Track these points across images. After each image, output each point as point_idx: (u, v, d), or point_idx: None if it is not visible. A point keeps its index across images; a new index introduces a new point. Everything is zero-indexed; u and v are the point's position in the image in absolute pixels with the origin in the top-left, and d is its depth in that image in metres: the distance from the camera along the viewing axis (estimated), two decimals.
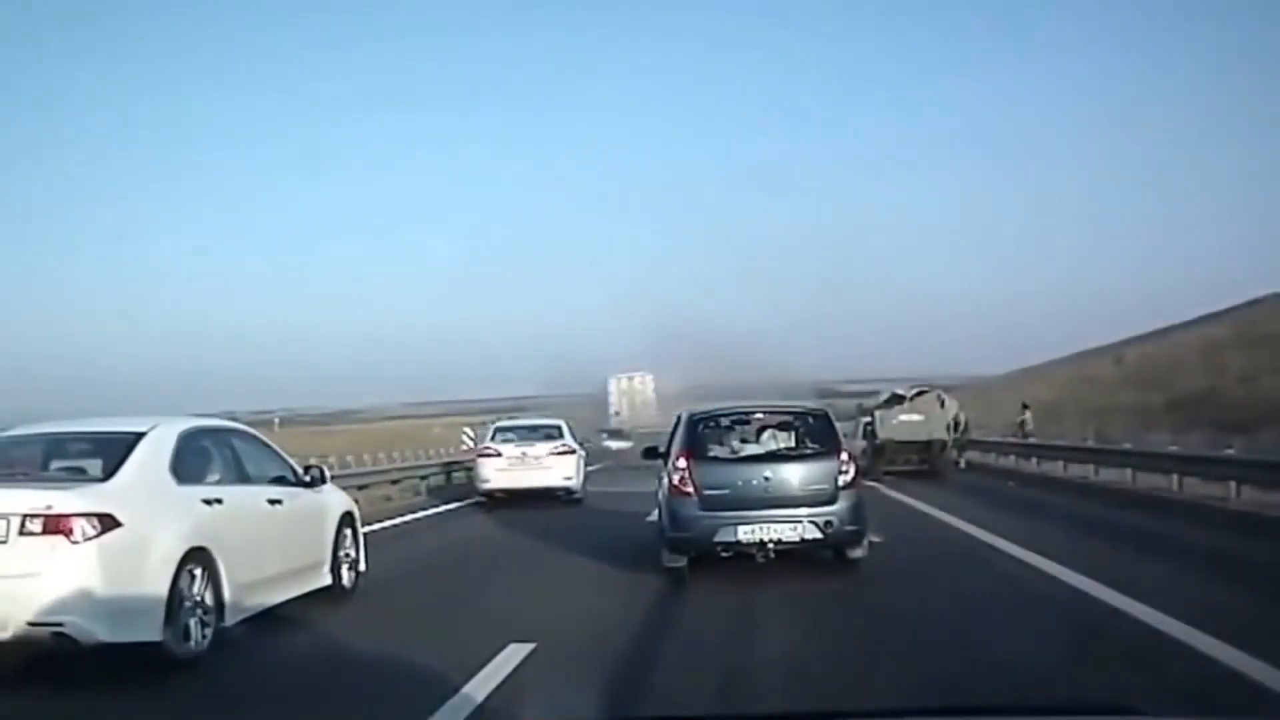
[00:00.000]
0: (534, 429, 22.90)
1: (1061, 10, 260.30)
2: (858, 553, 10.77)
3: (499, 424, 23.98)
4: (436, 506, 21.45)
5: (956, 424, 30.41)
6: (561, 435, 22.12)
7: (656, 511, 11.64)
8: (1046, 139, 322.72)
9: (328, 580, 9.77)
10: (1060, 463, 25.43)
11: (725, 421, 11.64)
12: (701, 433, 11.23)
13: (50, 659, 6.95)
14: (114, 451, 7.73)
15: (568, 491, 21.32)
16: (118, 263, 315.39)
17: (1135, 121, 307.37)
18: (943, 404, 27.44)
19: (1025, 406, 33.84)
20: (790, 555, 10.52)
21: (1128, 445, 23.34)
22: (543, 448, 21.52)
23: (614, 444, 40.02)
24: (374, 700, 6.67)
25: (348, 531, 10.34)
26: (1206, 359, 42.02)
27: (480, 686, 6.52)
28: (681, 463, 10.68)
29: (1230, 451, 18.34)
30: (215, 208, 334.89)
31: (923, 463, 26.60)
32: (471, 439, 36.12)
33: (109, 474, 7.53)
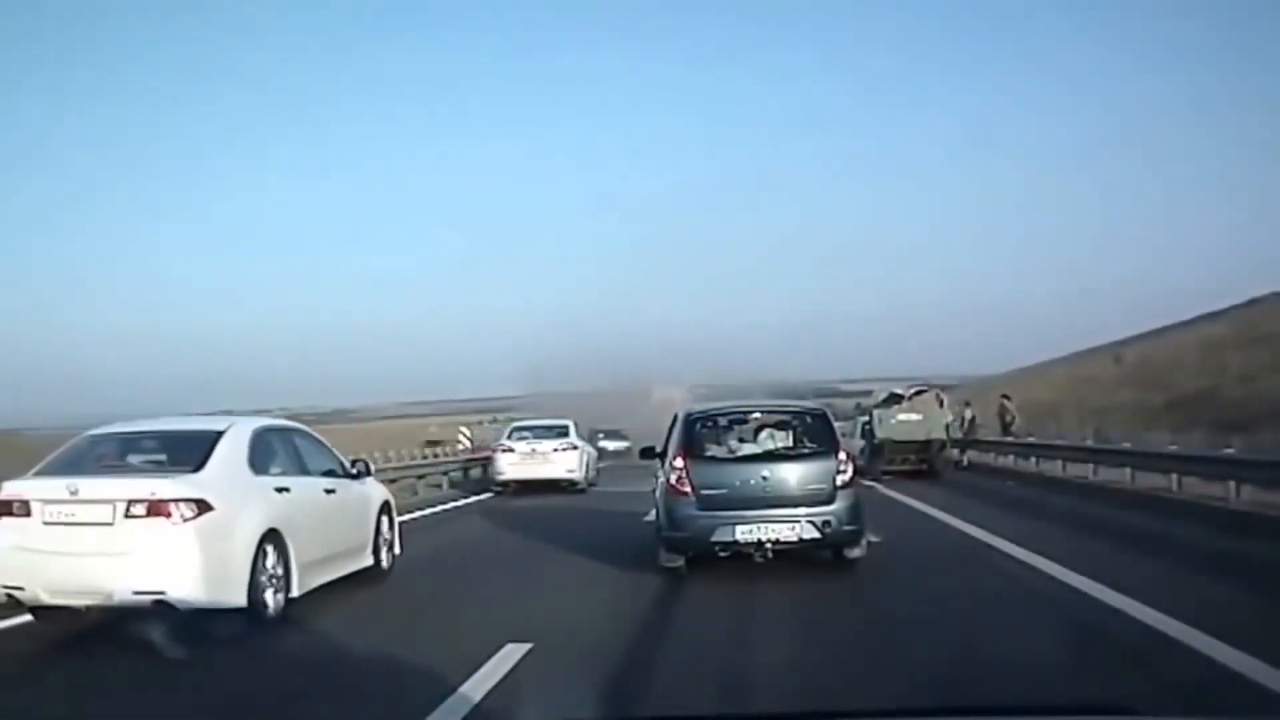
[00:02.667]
0: (544, 428, 25.72)
1: (1059, 9, 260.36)
2: (856, 553, 10.75)
3: (515, 424, 26.69)
4: (456, 500, 23.19)
5: (967, 420, 30.78)
6: (567, 434, 25.29)
7: (654, 511, 11.62)
8: (1046, 138, 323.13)
9: (370, 561, 11.03)
10: (1059, 462, 25.37)
11: (723, 421, 11.61)
12: (699, 432, 11.19)
13: (148, 622, 7.94)
14: (200, 446, 8.90)
15: (571, 483, 24.36)
16: (113, 265, 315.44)
17: (1134, 120, 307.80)
18: (941, 403, 27.38)
19: (1005, 397, 33.81)
20: (788, 555, 10.51)
21: (1127, 445, 23.25)
22: (549, 445, 24.71)
23: (610, 444, 39.85)
24: (398, 675, 7.18)
25: (385, 519, 11.55)
26: (1206, 358, 41.95)
27: (478, 686, 6.55)
28: (679, 462, 10.66)
29: (1230, 451, 18.27)
30: (210, 210, 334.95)
31: (921, 462, 26.55)
32: (468, 438, 36.20)
33: (198, 466, 8.66)
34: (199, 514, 8.18)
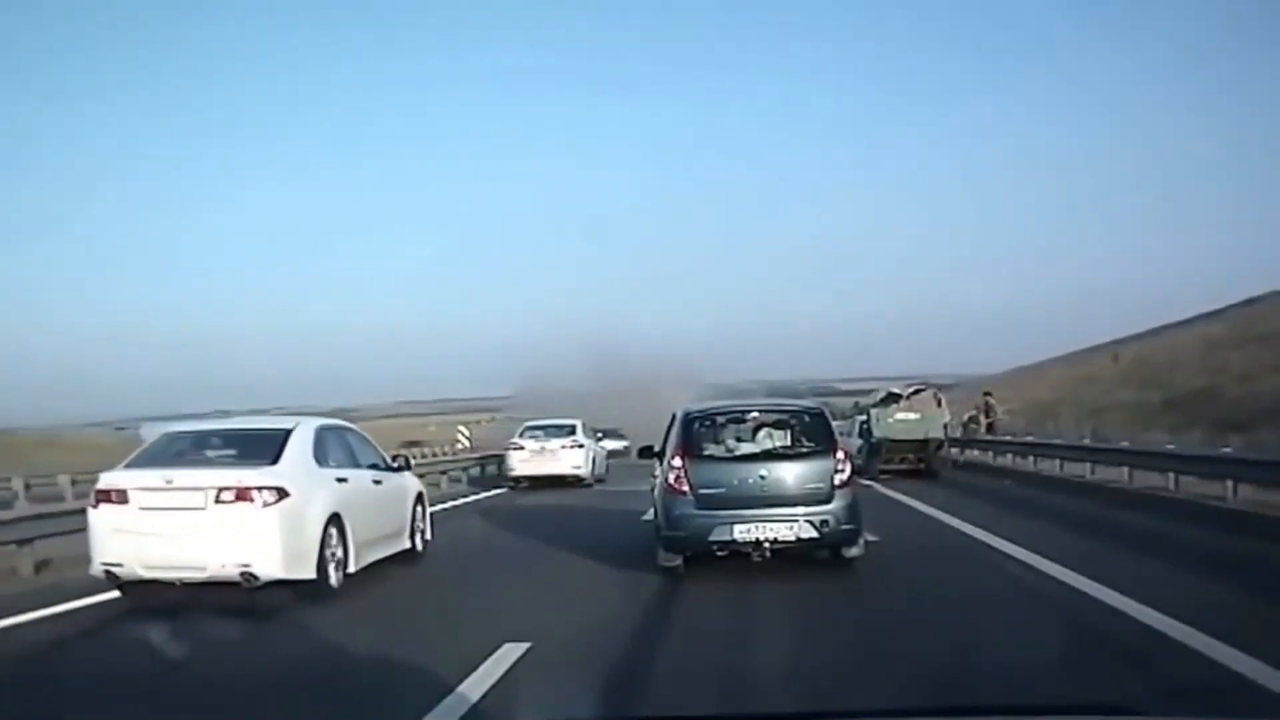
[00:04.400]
0: (553, 428, 27.30)
1: (1058, 9, 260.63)
2: (853, 552, 10.76)
3: (527, 424, 28.14)
4: (475, 494, 25.36)
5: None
6: (575, 433, 27.06)
7: (652, 510, 11.62)
8: (1045, 138, 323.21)
9: (407, 545, 12.45)
10: (1057, 461, 25.39)
11: (721, 420, 11.57)
12: (697, 431, 11.16)
13: (235, 591, 9.54)
14: (274, 442, 10.22)
15: (577, 478, 26.20)
16: (112, 265, 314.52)
17: (1134, 120, 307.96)
18: (939, 403, 27.38)
19: (988, 394, 33.83)
20: (786, 554, 10.53)
21: (1125, 444, 23.29)
22: (556, 443, 26.55)
23: (608, 444, 39.83)
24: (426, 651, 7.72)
25: (419, 509, 13.02)
26: (1205, 357, 41.93)
27: (475, 686, 6.57)
28: (677, 461, 10.66)
29: (1228, 450, 18.31)
30: (208, 211, 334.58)
31: (919, 461, 26.57)
32: (467, 437, 36.32)
33: (274, 459, 9.93)
34: (278, 500, 9.53)
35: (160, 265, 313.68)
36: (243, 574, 9.42)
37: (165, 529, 9.42)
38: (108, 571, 9.70)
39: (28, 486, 24.67)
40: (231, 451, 10.36)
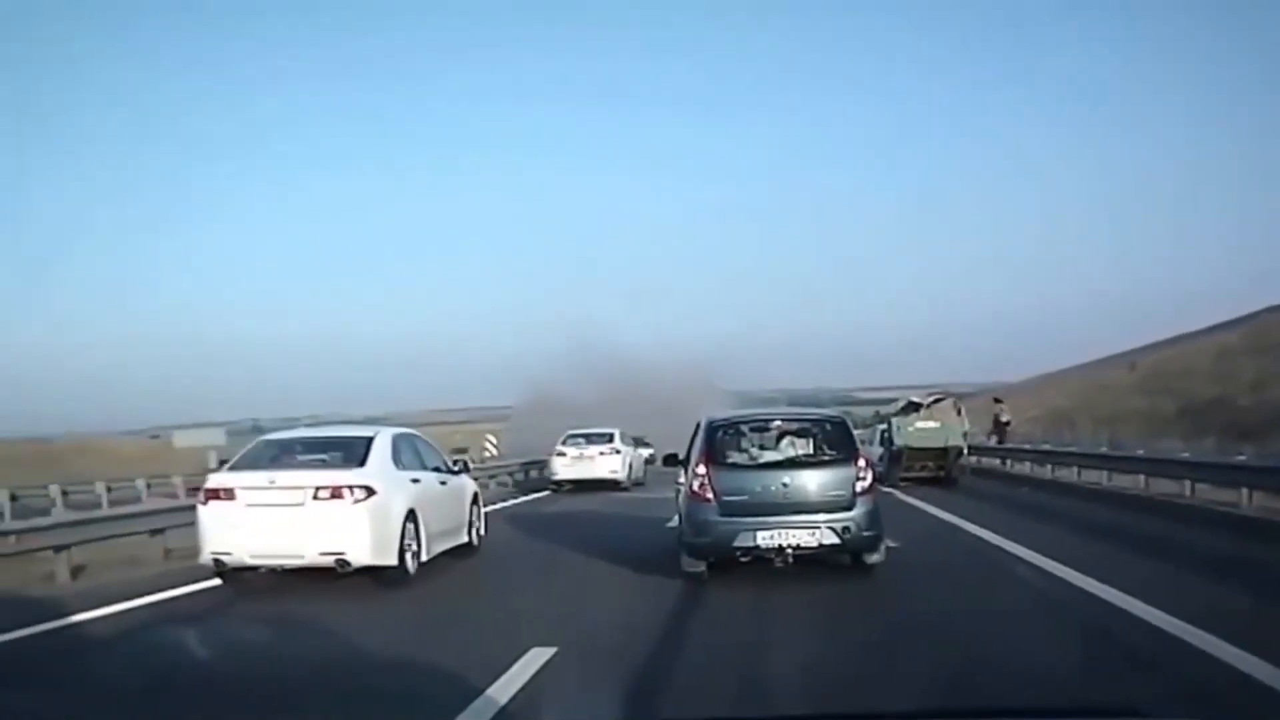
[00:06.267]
0: (594, 435, 29.50)
1: (1078, 15, 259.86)
2: (874, 558, 10.87)
3: (569, 431, 30.01)
4: (519, 498, 26.80)
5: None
6: (612, 440, 29.28)
7: (676, 517, 11.77)
8: (1063, 148, 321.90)
9: (465, 539, 13.71)
10: (1074, 468, 25.57)
11: (744, 428, 11.68)
12: (720, 439, 11.24)
13: (328, 575, 11.02)
14: (359, 447, 11.65)
15: (614, 482, 28.23)
16: (146, 274, 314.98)
17: (1152, 129, 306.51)
18: (959, 412, 27.51)
19: (998, 401, 33.88)
20: (808, 560, 10.67)
21: (1141, 451, 23.46)
22: (595, 449, 28.74)
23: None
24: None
25: (475, 508, 14.35)
26: (1219, 366, 41.98)
27: (502, 691, 6.60)
28: (701, 469, 10.76)
29: (1242, 458, 18.43)
30: (241, 220, 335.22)
31: (939, 469, 26.71)
32: (494, 446, 36.69)
33: (362, 462, 11.34)
34: (367, 497, 10.90)
35: (193, 275, 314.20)
36: (337, 561, 10.82)
37: (269, 522, 10.80)
38: (216, 559, 11.02)
39: (65, 494, 25.05)
40: (323, 456, 11.78)
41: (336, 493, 10.85)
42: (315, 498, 10.83)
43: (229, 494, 11.04)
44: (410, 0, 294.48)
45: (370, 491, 10.95)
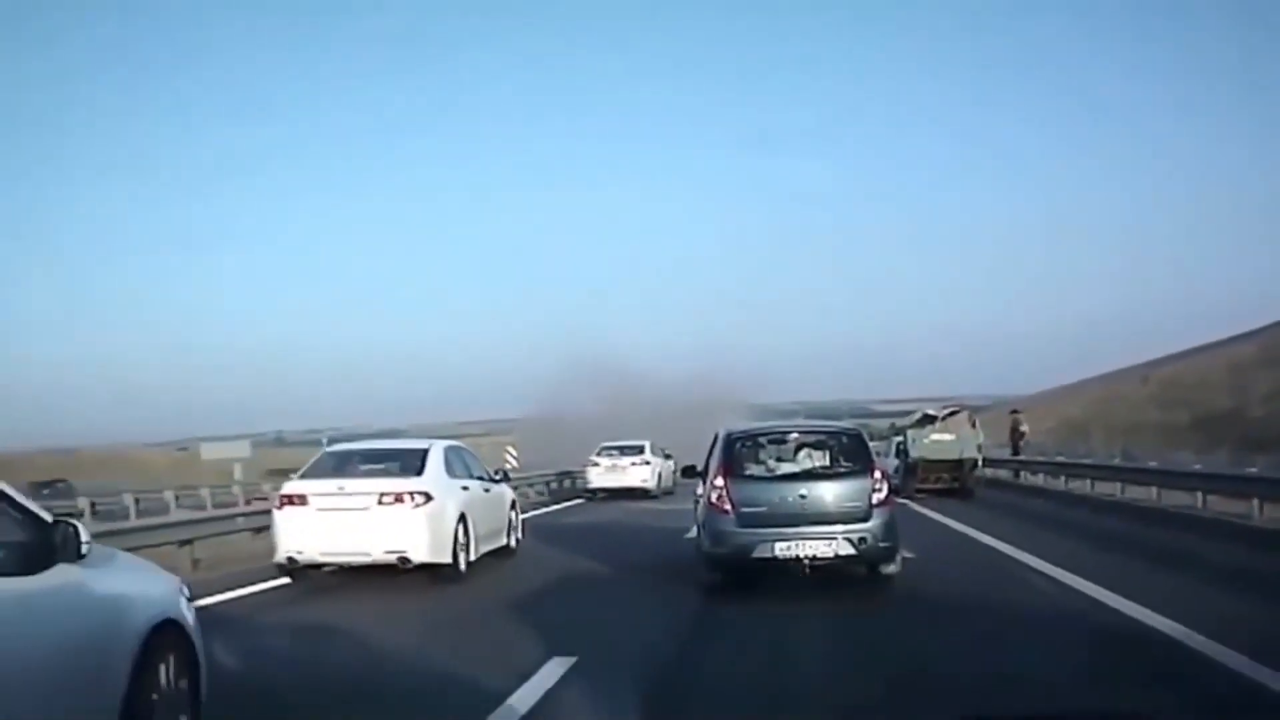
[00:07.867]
0: (626, 447, 31.50)
1: (1092, 29, 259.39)
2: (891, 569, 11.00)
3: (603, 443, 32.09)
4: (553, 505, 28.43)
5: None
6: (643, 452, 31.35)
7: (695, 528, 11.91)
8: (1080, 164, 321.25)
9: (504, 541, 14.94)
10: (1088, 480, 25.67)
11: (762, 440, 11.83)
12: (738, 451, 11.35)
13: (390, 572, 12.21)
14: (417, 458, 12.93)
15: (644, 491, 30.14)
16: (172, 288, 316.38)
17: (1167, 143, 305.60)
18: (974, 424, 27.61)
19: (1016, 412, 33.95)
20: (824, 571, 10.79)
21: (1154, 463, 23.57)
22: (627, 460, 30.86)
23: None
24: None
25: (514, 513, 15.64)
26: (1232, 379, 41.99)
27: (523, 700, 6.61)
28: (719, 480, 10.87)
29: (1254, 470, 18.53)
30: (270, 230, 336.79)
31: (954, 481, 26.78)
32: (514, 458, 37.15)
33: (419, 471, 12.60)
34: (425, 502, 12.13)
35: (220, 290, 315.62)
36: (399, 558, 12.04)
37: (338, 524, 12.03)
38: (290, 558, 12.23)
39: (93, 505, 25.29)
40: (383, 465, 13.09)
41: (399, 498, 12.07)
42: (380, 503, 12.04)
43: (302, 499, 12.21)
44: (428, 6, 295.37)
45: (428, 497, 12.17)
